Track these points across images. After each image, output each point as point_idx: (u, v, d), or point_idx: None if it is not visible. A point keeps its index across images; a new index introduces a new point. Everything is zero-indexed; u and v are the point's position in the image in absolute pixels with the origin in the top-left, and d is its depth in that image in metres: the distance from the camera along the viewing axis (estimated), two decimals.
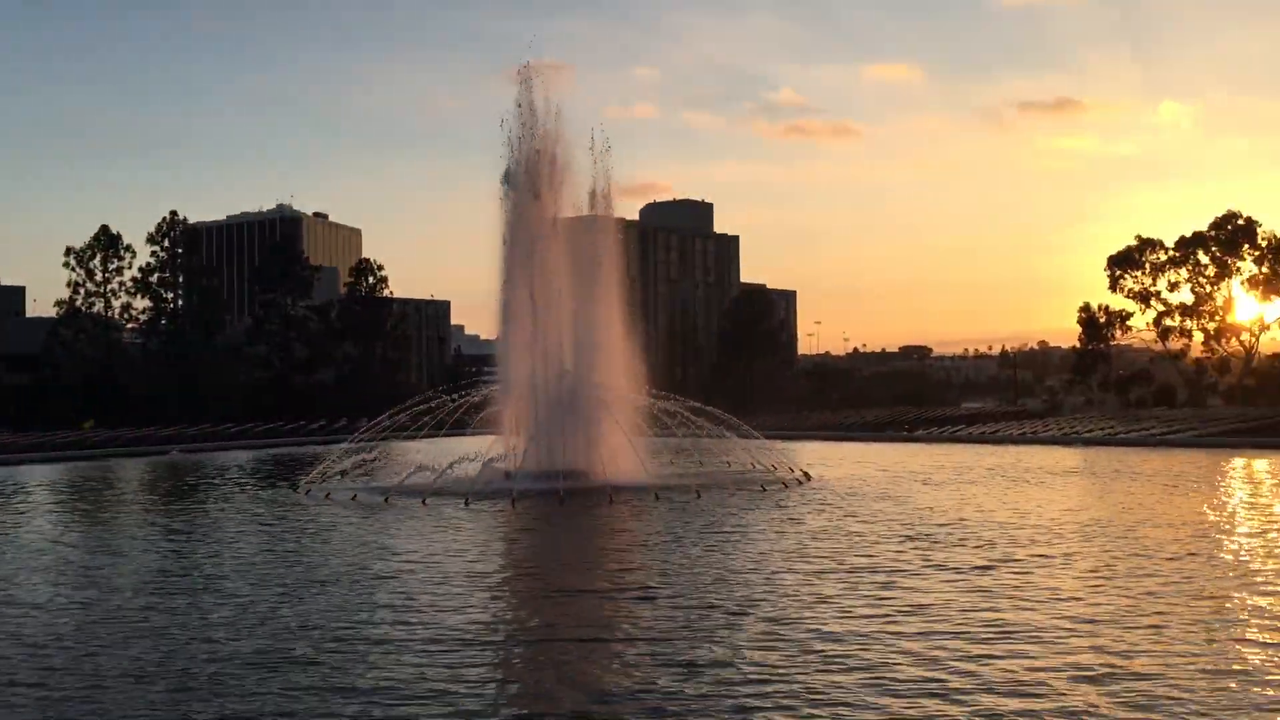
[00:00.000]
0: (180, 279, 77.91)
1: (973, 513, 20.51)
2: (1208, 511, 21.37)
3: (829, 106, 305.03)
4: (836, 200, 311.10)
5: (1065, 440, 43.95)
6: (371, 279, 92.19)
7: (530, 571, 15.91)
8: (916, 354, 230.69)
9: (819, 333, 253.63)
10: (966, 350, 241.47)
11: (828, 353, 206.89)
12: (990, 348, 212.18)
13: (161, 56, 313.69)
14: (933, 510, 20.84)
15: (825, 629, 11.20)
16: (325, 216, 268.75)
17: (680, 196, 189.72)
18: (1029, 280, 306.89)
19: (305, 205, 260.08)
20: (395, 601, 12.97)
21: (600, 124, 27.97)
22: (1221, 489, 26.70)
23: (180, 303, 79.06)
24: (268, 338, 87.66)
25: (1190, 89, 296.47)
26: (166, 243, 77.14)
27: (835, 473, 30.39)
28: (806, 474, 28.07)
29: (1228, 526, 19.45)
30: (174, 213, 77.54)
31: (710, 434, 30.17)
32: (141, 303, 76.14)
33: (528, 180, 27.01)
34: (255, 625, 11.79)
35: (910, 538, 17.38)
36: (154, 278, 76.33)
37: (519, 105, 27.77)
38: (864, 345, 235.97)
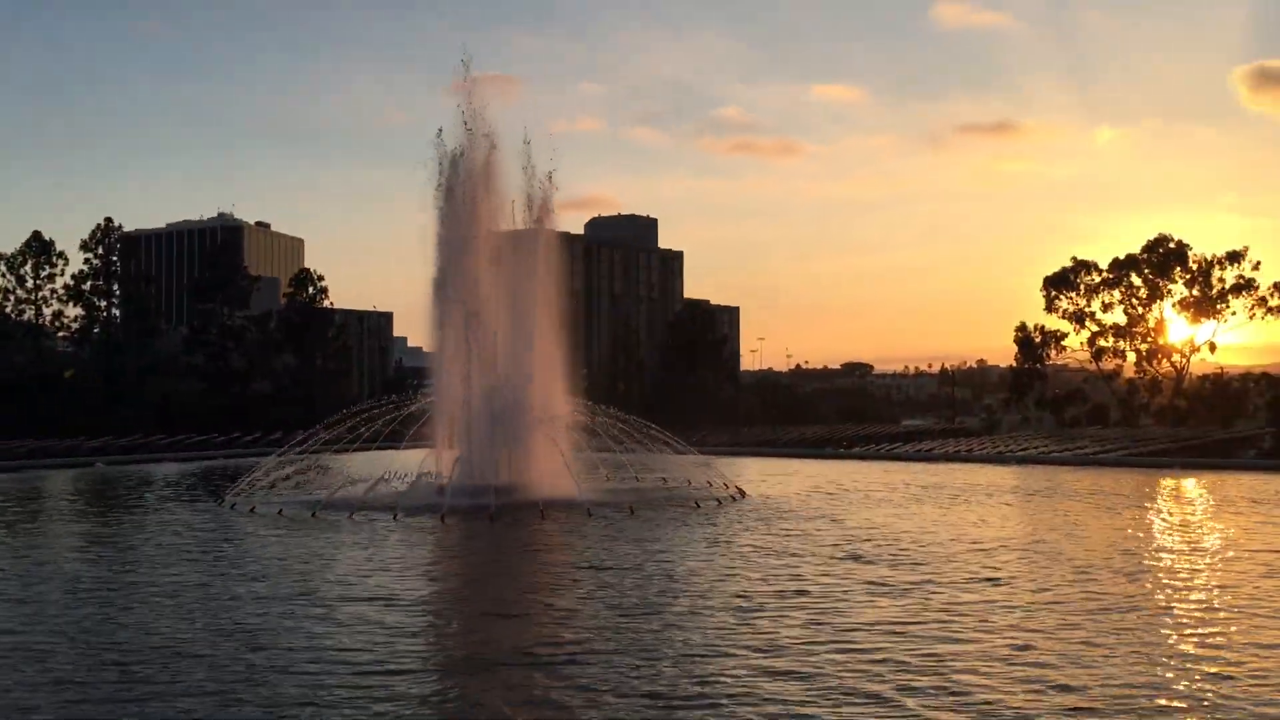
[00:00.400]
0: (114, 287, 76.47)
1: (903, 532, 20.60)
2: (1136, 530, 21.67)
3: (775, 125, 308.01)
4: (781, 218, 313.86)
5: (999, 459, 44.46)
6: (312, 289, 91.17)
7: (444, 589, 15.65)
8: (858, 371, 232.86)
9: (762, 349, 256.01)
10: (907, 368, 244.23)
11: (771, 369, 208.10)
12: (930, 366, 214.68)
13: (103, 61, 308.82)
14: (864, 529, 20.90)
15: (750, 654, 11.09)
16: (268, 226, 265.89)
17: (626, 212, 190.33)
18: (969, 299, 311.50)
19: (248, 214, 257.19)
20: (250, 623, 12.62)
21: (542, 136, 27.75)
22: (1149, 507, 27.12)
23: (114, 311, 77.63)
24: (204, 348, 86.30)
25: (1126, 115, 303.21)
26: (100, 250, 75.73)
27: (770, 490, 30.44)
28: (741, 491, 28.08)
29: (1156, 545, 19.71)
30: (109, 219, 76.13)
31: (649, 449, 30.11)
32: (74, 310, 74.71)
33: (460, 192, 26.83)
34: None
35: (840, 557, 17.39)
36: (87, 285, 74.89)
37: (461, 116, 27.63)
38: (807, 362, 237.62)
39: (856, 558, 17.37)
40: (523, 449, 26.14)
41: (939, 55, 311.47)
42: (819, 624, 12.44)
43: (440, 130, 27.86)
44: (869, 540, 19.31)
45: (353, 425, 28.63)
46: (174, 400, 76.20)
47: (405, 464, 28.15)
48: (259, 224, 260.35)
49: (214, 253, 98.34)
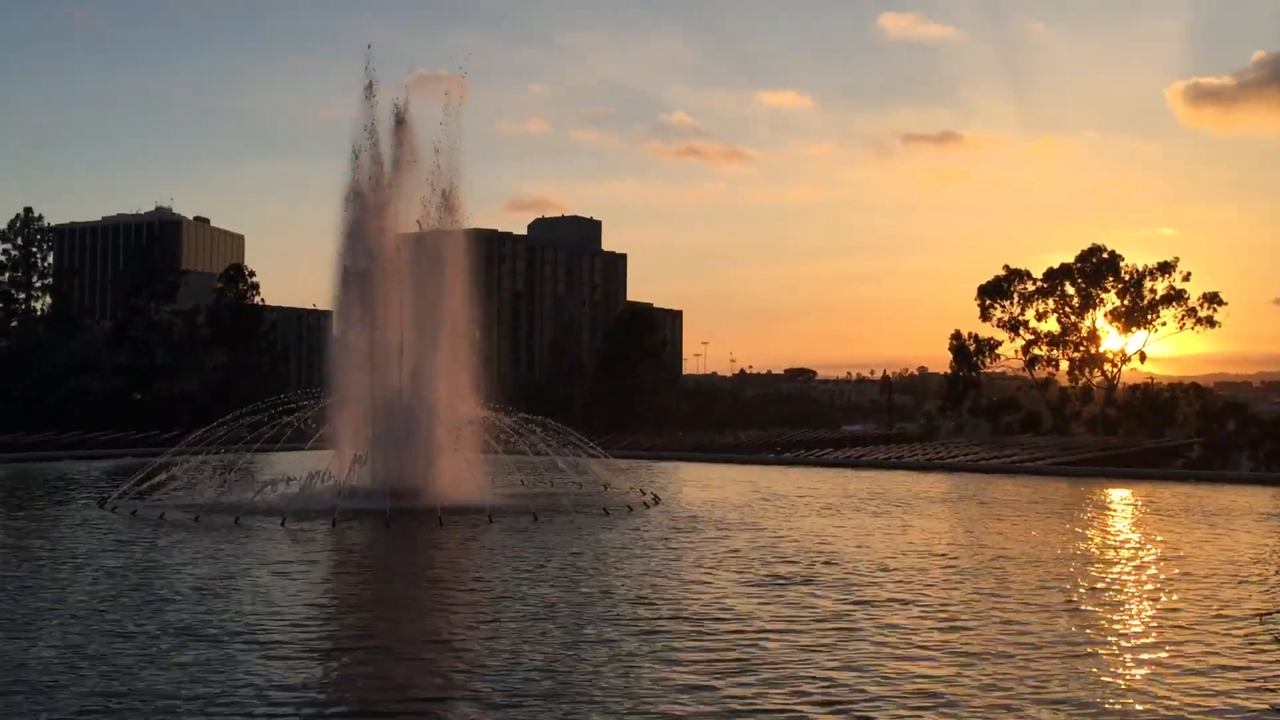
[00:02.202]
0: (33, 279, 74.21)
1: (818, 544, 19.91)
2: (1061, 540, 21.17)
3: (722, 131, 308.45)
4: (728, 223, 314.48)
5: (928, 466, 44.16)
6: (242, 285, 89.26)
7: (310, 601, 14.68)
8: (802, 376, 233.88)
9: (706, 353, 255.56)
10: (850, 374, 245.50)
11: (715, 373, 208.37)
12: (873, 372, 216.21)
13: (43, 54, 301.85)
14: (775, 541, 20.15)
15: (631, 686, 10.24)
16: (207, 221, 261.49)
17: (572, 214, 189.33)
18: (912, 307, 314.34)
19: (187, 209, 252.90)
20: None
21: (457, 133, 26.72)
22: (1071, 517, 26.65)
23: (34, 304, 75.37)
24: (128, 343, 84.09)
25: (1065, 126, 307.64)
26: (20, 240, 73.47)
27: (690, 495, 29.74)
28: (656, 498, 27.32)
29: (1083, 556, 19.17)
30: (28, 209, 74.00)
31: (563, 453, 29.26)
32: None
33: (365, 189, 25.86)
34: None
35: (740, 571, 16.64)
36: (4, 277, 72.64)
37: (371, 110, 26.67)
38: (751, 367, 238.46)
39: (761, 574, 16.65)
40: (425, 451, 25.17)
41: (885, 65, 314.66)
42: (707, 652, 11.67)
43: (365, 127, 26.96)
44: (763, 547, 18.65)
45: (255, 423, 27.50)
46: (94, 397, 74.06)
47: (307, 465, 27.08)
48: (198, 218, 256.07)
49: (141, 246, 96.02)
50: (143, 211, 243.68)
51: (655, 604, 13.87)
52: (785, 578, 15.85)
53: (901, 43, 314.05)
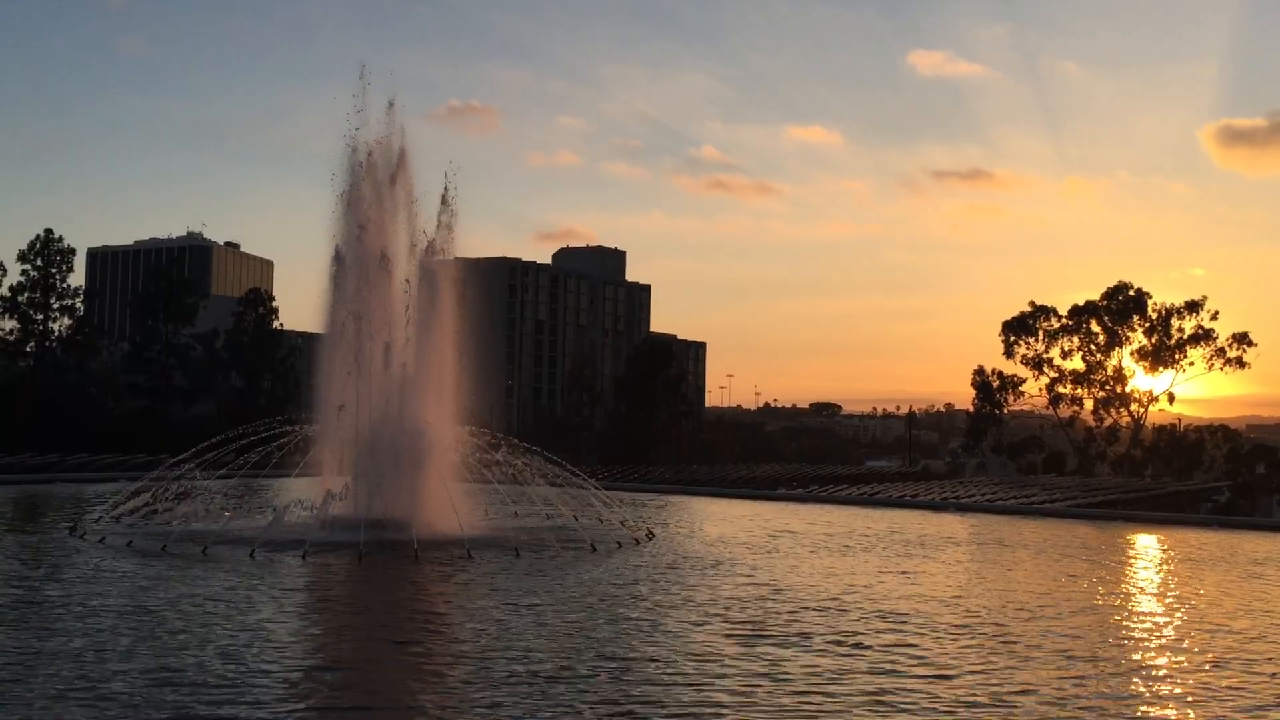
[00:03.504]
0: (51, 300, 74.15)
1: (811, 590, 18.88)
2: (1056, 592, 20.02)
3: (751, 165, 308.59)
4: (755, 256, 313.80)
5: (941, 506, 42.92)
6: (262, 309, 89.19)
7: (208, 639, 13.74)
8: (826, 411, 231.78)
9: (731, 386, 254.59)
10: (875, 409, 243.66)
11: (739, 405, 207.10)
12: (899, 408, 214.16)
13: (86, 79, 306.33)
14: (764, 585, 19.08)
15: None
16: (237, 246, 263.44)
17: (599, 245, 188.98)
18: (939, 343, 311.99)
19: (219, 235, 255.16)
20: None
21: (464, 163, 26.13)
22: (1091, 563, 25.42)
23: (52, 325, 75.28)
24: (145, 365, 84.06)
25: (1095, 167, 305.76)
26: (39, 261, 73.51)
27: (690, 532, 28.77)
28: (651, 533, 26.36)
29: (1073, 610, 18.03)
30: (48, 230, 73.84)
31: (565, 485, 28.34)
32: (8, 323, 72.45)
33: (359, 212, 25.22)
34: None
35: (706, 618, 15.62)
36: (23, 297, 72.67)
37: (351, 133, 26.12)
38: (775, 400, 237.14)
39: (707, 617, 15.64)
40: (410, 482, 24.29)
41: (914, 102, 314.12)
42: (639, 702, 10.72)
43: (371, 153, 26.42)
44: (746, 591, 17.64)
45: (239, 450, 26.80)
46: (109, 419, 73.87)
47: (295, 493, 26.33)
48: (228, 244, 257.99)
49: (160, 268, 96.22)
50: (174, 236, 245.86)
51: (582, 654, 12.91)
52: (761, 628, 14.81)
53: (931, 80, 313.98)
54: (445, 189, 26.79)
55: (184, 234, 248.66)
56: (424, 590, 18.22)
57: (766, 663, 12.64)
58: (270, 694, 10.61)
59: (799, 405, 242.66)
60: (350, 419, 24.64)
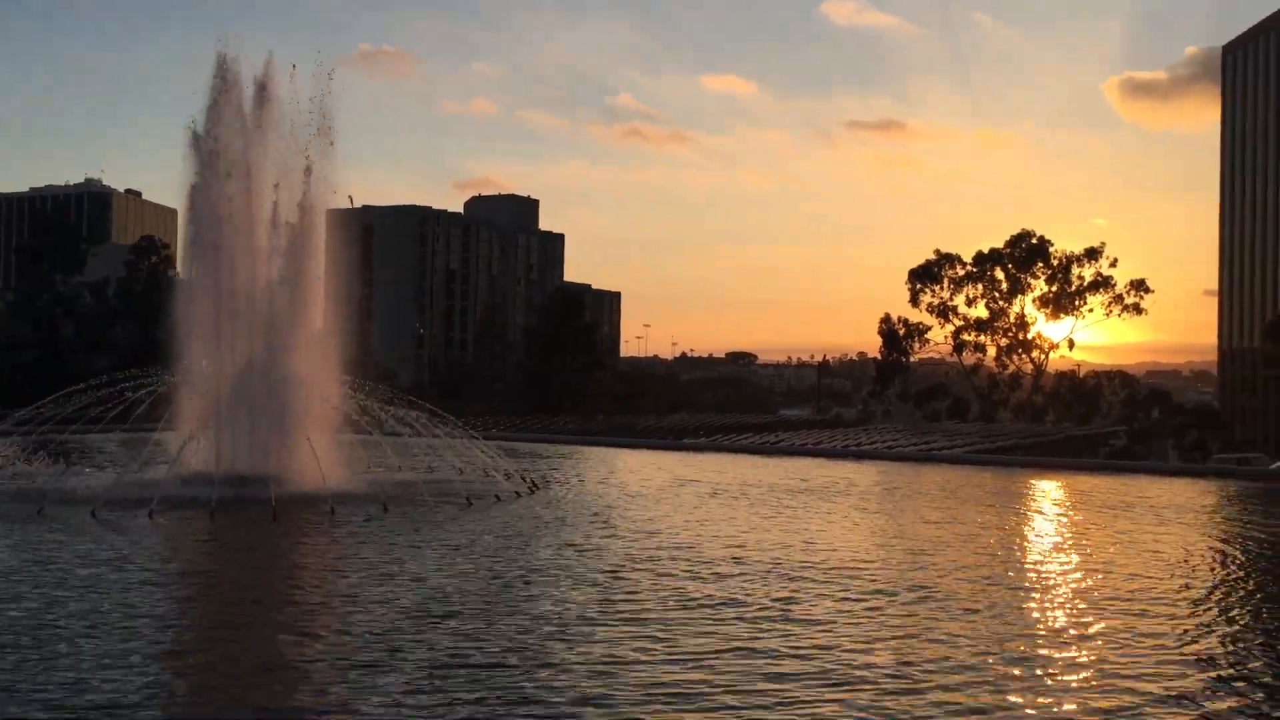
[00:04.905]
0: None
1: (683, 540, 18.25)
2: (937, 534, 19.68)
3: (668, 115, 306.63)
4: (671, 207, 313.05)
5: (840, 453, 42.86)
6: (155, 257, 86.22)
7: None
8: (742, 360, 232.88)
9: (648, 336, 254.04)
10: (791, 358, 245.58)
11: (656, 356, 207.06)
12: (814, 357, 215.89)
13: None
14: (639, 538, 18.39)
15: None
16: (139, 194, 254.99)
17: (514, 193, 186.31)
18: (853, 292, 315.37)
19: (122, 183, 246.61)
20: None
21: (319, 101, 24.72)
22: (961, 508, 25.20)
23: None
24: (31, 316, 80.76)
25: (1004, 119, 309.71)
26: None
27: (582, 484, 28.08)
28: (534, 485, 25.56)
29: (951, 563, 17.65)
30: None
31: (437, 436, 27.41)
32: None
33: (217, 149, 23.76)
34: None
35: (583, 577, 14.86)
36: None
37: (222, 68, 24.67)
38: (692, 350, 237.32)
39: (563, 573, 14.94)
40: (277, 433, 23.15)
41: (829, 52, 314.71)
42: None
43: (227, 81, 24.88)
44: (614, 546, 16.97)
45: (99, 400, 25.38)
46: None
47: (151, 447, 25.05)
48: (129, 191, 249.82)
49: (49, 215, 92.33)
50: (71, 183, 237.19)
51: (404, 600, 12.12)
52: (614, 587, 14.10)
53: (845, 29, 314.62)
54: (322, 122, 25.39)
55: (82, 180, 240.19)
56: (273, 551, 17.19)
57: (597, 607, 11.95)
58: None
59: (715, 355, 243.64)
60: (214, 368, 23.37)
